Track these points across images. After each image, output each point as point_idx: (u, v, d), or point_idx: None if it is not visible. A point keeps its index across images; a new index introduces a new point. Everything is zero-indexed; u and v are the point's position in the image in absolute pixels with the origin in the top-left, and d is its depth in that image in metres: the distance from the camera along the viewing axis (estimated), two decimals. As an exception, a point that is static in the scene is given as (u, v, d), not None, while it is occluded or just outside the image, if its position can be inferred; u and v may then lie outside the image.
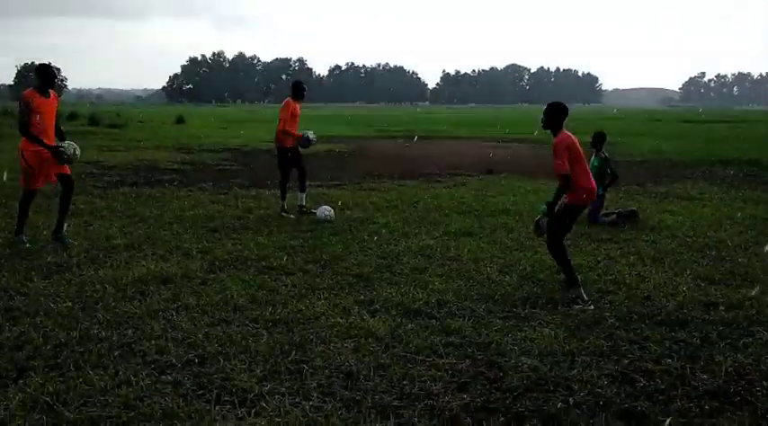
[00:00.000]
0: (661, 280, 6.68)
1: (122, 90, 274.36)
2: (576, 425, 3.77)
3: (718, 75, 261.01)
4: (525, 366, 4.55)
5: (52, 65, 7.71)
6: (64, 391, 4.05)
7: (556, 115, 6.10)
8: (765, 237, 8.73)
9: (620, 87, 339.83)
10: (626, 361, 4.66)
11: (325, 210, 9.70)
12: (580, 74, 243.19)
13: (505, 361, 4.63)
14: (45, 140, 7.43)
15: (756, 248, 8.11)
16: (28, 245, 7.57)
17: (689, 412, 3.94)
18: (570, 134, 6.09)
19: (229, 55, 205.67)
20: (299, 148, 10.49)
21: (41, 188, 7.96)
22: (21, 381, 4.19)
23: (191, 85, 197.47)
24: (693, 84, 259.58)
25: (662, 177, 15.85)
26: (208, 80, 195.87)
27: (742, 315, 5.65)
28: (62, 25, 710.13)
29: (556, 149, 6.02)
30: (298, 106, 10.37)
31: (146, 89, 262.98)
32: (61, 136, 7.77)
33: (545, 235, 6.27)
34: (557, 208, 6.09)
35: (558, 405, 3.97)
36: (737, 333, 5.24)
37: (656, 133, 33.82)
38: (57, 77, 7.81)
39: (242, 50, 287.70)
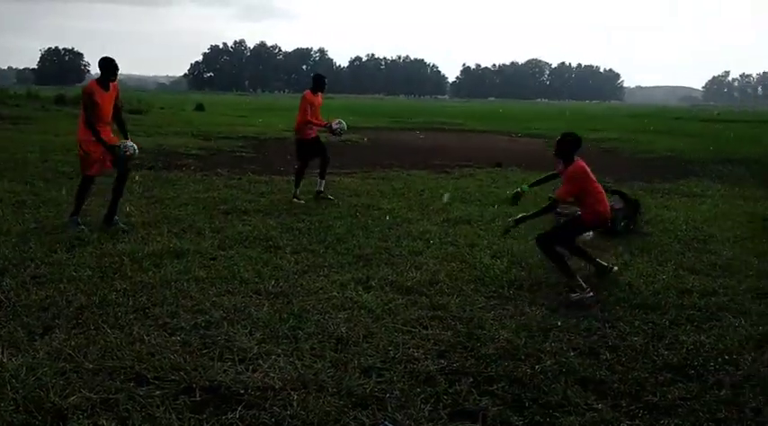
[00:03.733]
0: (644, 270, 7.05)
1: (146, 76, 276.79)
2: (538, 388, 4.20)
3: (743, 74, 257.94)
4: (502, 338, 4.98)
5: (110, 58, 7.87)
6: (84, 345, 4.55)
7: (569, 145, 6.34)
8: (756, 232, 9.08)
9: (643, 85, 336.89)
10: (595, 337, 5.08)
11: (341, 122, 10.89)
12: (602, 70, 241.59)
13: (484, 334, 5.06)
14: (101, 131, 7.72)
15: (744, 243, 8.46)
16: (82, 227, 7.75)
17: (644, 382, 4.35)
18: (583, 163, 6.33)
19: (250, 44, 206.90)
20: (333, 135, 11.13)
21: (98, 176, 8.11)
22: (47, 336, 4.69)
23: (212, 73, 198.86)
24: (717, 83, 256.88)
25: (669, 174, 16.12)
26: (229, 68, 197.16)
27: (714, 301, 6.02)
28: (87, 10, 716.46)
29: (568, 177, 6.28)
30: (317, 98, 10.67)
31: (168, 76, 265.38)
32: (123, 127, 8.09)
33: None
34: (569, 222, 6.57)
35: (526, 371, 4.41)
36: (705, 317, 5.62)
37: (674, 132, 33.87)
38: (118, 70, 7.93)
39: (263, 39, 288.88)
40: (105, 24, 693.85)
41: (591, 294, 6.07)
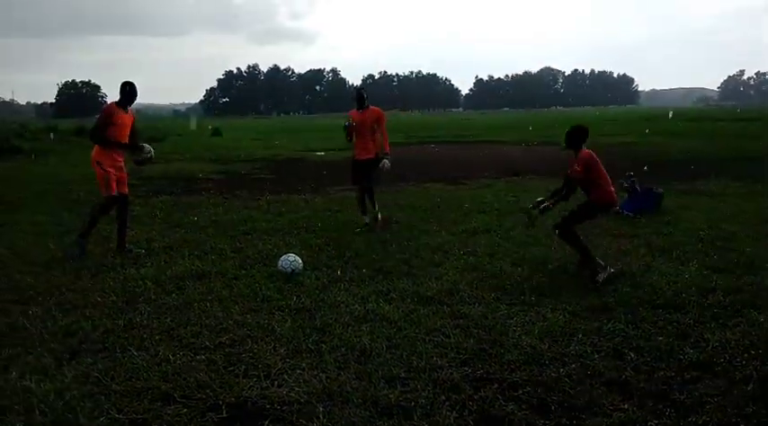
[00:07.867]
0: (666, 270, 7.00)
1: (162, 104, 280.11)
2: (563, 392, 4.18)
3: (758, 72, 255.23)
4: (525, 344, 4.97)
5: (133, 83, 8.17)
6: (111, 368, 4.61)
7: (577, 137, 6.92)
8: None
9: (658, 88, 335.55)
10: (619, 339, 5.05)
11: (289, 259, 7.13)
12: (615, 75, 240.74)
13: (507, 340, 5.05)
14: (113, 151, 8.05)
15: (766, 240, 8.36)
16: (85, 254, 7.91)
17: (670, 381, 4.32)
18: (590, 151, 6.90)
19: (264, 67, 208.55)
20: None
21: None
22: (74, 361, 4.75)
23: (227, 98, 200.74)
24: (732, 83, 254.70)
25: (687, 175, 16.00)
26: (244, 93, 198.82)
27: (738, 299, 5.96)
28: (102, 43, 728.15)
29: (579, 160, 6.87)
30: (359, 113, 9.96)
31: (183, 103, 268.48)
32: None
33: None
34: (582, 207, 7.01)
35: (551, 375, 4.39)
36: (730, 314, 5.57)
37: (690, 133, 33.64)
38: (136, 95, 8.23)
39: (276, 62, 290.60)
40: (120, 56, 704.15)
41: (612, 270, 6.76)
